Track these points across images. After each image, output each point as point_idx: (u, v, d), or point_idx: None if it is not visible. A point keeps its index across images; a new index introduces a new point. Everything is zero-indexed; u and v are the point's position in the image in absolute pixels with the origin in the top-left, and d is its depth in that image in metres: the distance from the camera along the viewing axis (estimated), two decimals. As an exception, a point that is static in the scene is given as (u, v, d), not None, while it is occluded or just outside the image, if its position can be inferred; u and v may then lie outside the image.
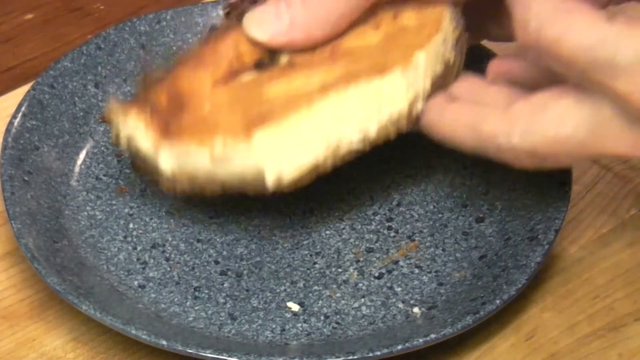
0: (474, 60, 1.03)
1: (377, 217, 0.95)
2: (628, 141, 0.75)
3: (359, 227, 0.94)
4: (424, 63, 0.87)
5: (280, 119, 0.84)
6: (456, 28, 0.92)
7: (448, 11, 0.91)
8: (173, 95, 0.88)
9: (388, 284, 0.90)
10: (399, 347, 0.81)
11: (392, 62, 0.86)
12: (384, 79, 0.85)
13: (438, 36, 0.89)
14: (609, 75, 0.72)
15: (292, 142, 0.84)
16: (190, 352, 0.80)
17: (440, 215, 0.95)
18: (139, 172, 0.92)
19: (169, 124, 0.87)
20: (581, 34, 0.72)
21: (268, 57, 0.92)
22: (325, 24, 0.88)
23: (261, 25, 0.89)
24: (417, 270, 0.91)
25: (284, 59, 0.91)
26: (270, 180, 0.84)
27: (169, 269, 0.91)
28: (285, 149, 0.84)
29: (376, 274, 0.91)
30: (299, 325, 0.87)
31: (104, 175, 0.97)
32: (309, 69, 0.88)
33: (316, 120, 0.85)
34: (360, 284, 0.90)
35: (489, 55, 1.02)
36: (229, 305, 0.88)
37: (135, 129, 0.88)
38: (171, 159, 0.87)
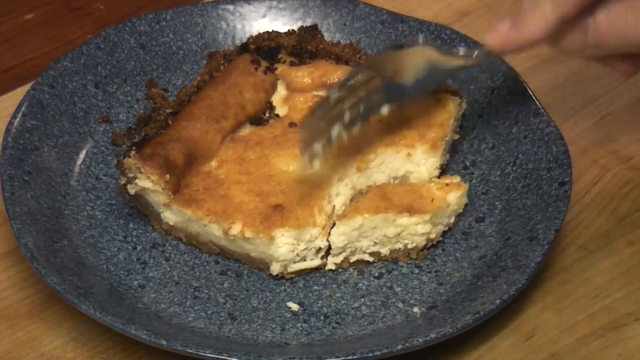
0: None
1: (377, 217, 0.95)
2: None
3: (359, 227, 0.94)
4: (454, 203, 0.91)
5: (301, 223, 0.88)
6: (458, 115, 0.98)
7: (452, 107, 0.97)
8: (188, 153, 0.91)
9: (388, 284, 0.90)
10: (399, 346, 0.81)
11: (422, 208, 0.90)
12: (412, 219, 0.90)
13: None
14: None
15: (307, 247, 0.89)
16: (190, 352, 0.80)
17: (440, 215, 0.95)
18: (139, 210, 0.93)
19: (181, 184, 0.90)
20: None
21: (267, 110, 0.97)
22: None
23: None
24: (416, 270, 0.91)
25: (281, 113, 0.97)
26: (274, 271, 0.89)
27: (169, 269, 0.91)
28: (299, 251, 0.89)
29: (376, 274, 0.91)
30: (299, 325, 0.87)
31: (104, 175, 0.97)
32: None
33: (336, 235, 0.90)
34: (360, 284, 0.90)
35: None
36: (228, 305, 0.88)
37: (149, 184, 0.90)
38: (179, 218, 0.91)
